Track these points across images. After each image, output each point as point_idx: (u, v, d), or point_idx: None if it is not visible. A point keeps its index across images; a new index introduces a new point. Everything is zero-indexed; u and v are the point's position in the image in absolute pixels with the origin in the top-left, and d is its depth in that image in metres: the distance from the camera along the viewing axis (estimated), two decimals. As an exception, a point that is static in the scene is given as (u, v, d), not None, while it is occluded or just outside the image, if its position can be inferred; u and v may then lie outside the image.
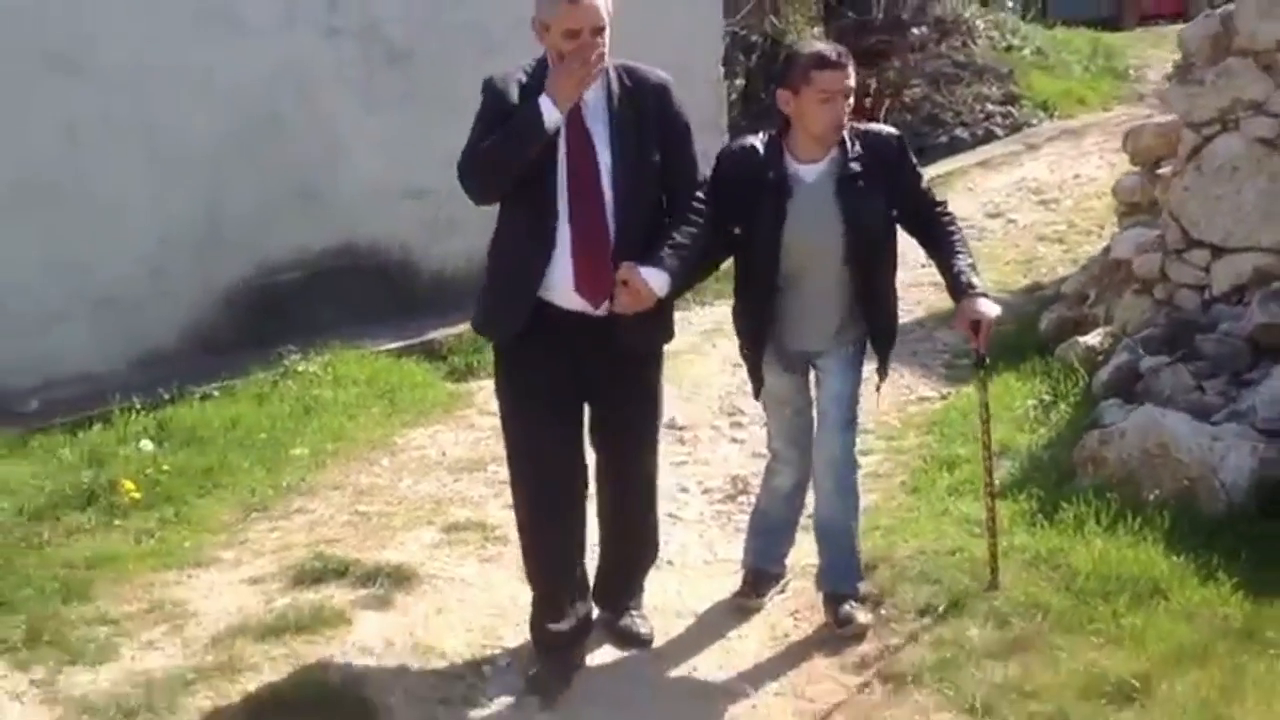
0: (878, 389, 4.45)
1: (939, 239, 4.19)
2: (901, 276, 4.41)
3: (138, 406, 6.23)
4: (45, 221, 6.63)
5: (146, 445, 5.91)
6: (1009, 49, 16.24)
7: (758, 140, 4.18)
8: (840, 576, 4.35)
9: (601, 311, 3.93)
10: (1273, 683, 3.47)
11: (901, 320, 4.93)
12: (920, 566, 4.44)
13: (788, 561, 4.60)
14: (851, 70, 4.04)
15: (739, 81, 15.32)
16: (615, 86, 3.93)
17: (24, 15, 6.47)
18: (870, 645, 4.13)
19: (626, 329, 3.92)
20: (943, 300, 8.16)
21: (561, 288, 3.91)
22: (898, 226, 4.19)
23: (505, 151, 3.75)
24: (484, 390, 6.60)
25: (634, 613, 4.39)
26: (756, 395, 4.45)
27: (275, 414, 6.37)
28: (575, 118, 3.87)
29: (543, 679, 4.02)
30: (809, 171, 4.11)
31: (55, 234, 6.65)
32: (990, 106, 14.48)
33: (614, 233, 3.87)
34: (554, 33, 3.81)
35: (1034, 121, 13.84)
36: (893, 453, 5.87)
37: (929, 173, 11.47)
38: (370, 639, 4.23)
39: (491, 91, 3.89)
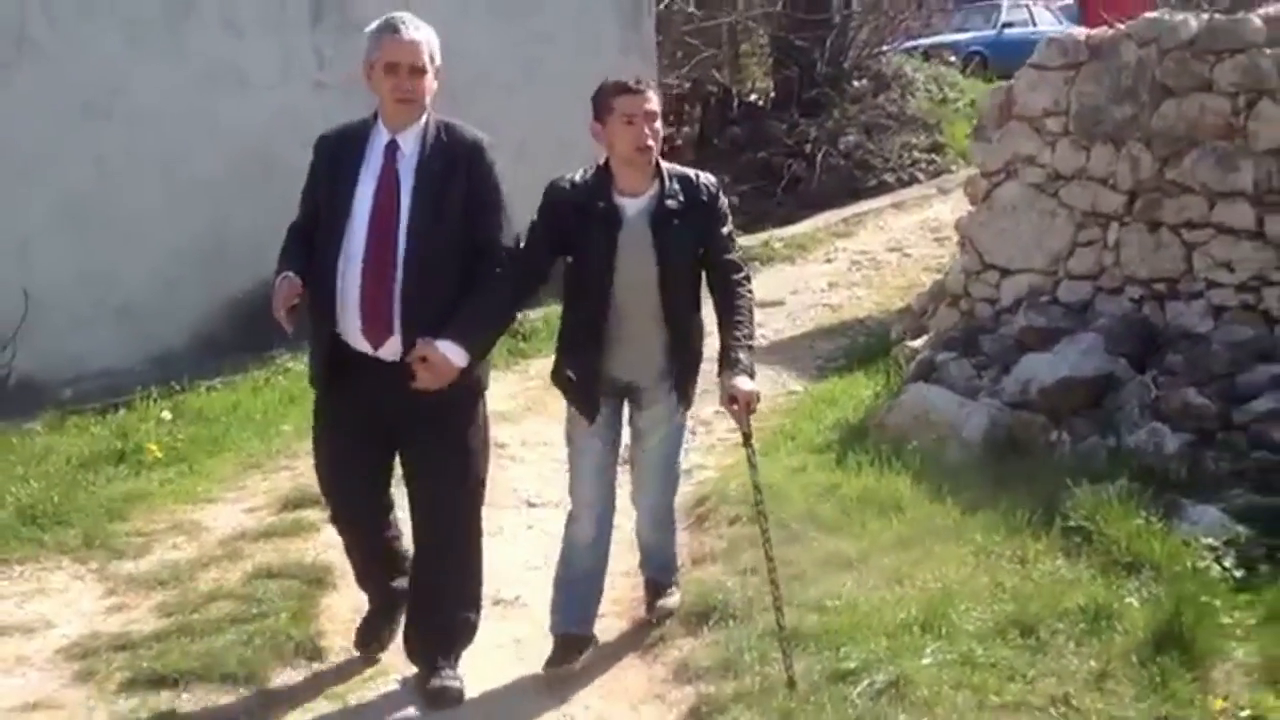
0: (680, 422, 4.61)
1: (725, 306, 4.36)
2: (797, 299, 5.61)
3: (155, 395, 7.76)
4: (78, 240, 8.12)
5: (166, 415, 7.45)
6: (943, 101, 17.73)
7: (584, 175, 4.33)
8: (659, 569, 4.86)
9: (387, 356, 4.06)
10: (951, 559, 5.00)
11: (791, 334, 5.98)
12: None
13: (595, 624, 4.63)
14: (653, 96, 4.24)
15: (692, 129, 16.80)
16: (430, 139, 4.08)
17: (66, 68, 8.05)
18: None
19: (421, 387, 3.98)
20: (831, 316, 9.82)
21: (352, 328, 4.08)
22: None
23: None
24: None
25: (445, 672, 4.28)
26: (591, 420, 4.41)
27: (267, 401, 7.91)
28: (388, 162, 4.08)
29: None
30: (631, 205, 4.27)
31: (86, 250, 8.15)
32: (916, 154, 15.97)
33: (403, 279, 4.00)
34: (376, 70, 4.05)
35: (953, 168, 15.30)
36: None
37: (847, 212, 13.10)
38: (333, 540, 5.79)
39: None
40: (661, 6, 14.21)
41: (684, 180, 4.33)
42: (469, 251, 4.06)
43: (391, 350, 4.04)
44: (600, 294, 4.26)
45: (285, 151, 8.82)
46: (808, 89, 16.98)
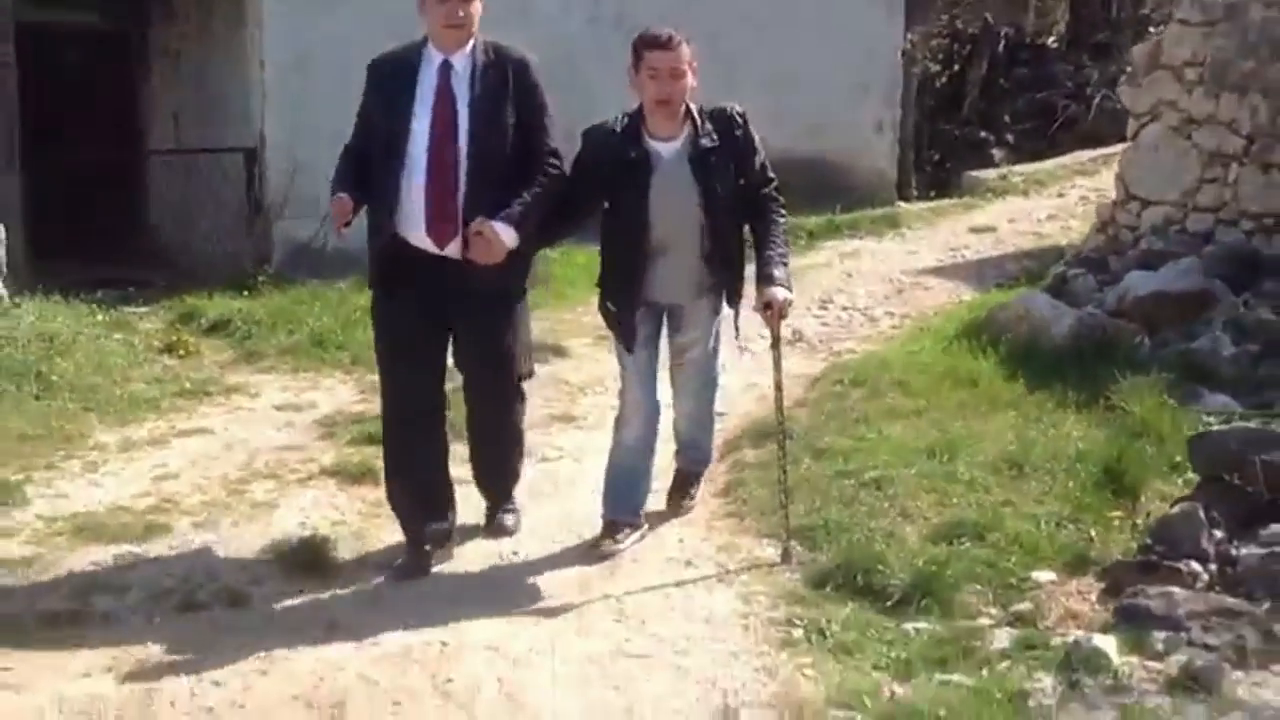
0: (736, 336, 5.03)
1: (759, 224, 4.77)
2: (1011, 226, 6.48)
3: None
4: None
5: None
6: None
7: (617, 123, 4.66)
8: (694, 459, 5.25)
9: (452, 253, 4.43)
10: (995, 418, 6.20)
11: (987, 255, 6.70)
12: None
13: (643, 513, 5.01)
14: (684, 52, 4.53)
15: (979, 69, 17.50)
16: (480, 57, 4.44)
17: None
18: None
19: (476, 269, 4.39)
20: (1035, 242, 10.81)
21: (415, 229, 4.45)
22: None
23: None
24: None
25: (505, 507, 5.02)
26: (629, 348, 4.77)
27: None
28: (444, 80, 4.43)
29: (405, 569, 4.68)
30: (666, 148, 4.62)
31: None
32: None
33: (465, 184, 4.38)
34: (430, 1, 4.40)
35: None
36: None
37: (1098, 152, 13.66)
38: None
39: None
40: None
41: (716, 118, 4.67)
42: (520, 158, 4.47)
43: (455, 248, 4.45)
44: (636, 233, 4.63)
45: (563, 79, 10.65)
46: (1098, 33, 17.50)
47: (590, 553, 4.85)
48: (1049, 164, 13.84)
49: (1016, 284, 9.46)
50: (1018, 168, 13.69)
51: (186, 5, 11.54)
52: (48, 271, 9.18)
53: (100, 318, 8.23)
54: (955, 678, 3.81)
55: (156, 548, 4.95)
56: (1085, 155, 14.00)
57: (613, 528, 4.88)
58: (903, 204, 12.67)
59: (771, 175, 4.84)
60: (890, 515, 5.05)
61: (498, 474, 5.00)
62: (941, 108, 17.83)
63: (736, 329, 5.00)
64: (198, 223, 10.97)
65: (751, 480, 5.49)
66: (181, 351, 7.95)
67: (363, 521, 5.25)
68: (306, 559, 4.78)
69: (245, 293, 9.10)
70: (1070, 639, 3.95)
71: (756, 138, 4.77)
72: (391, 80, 4.51)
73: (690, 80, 4.60)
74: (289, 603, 4.52)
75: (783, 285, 4.68)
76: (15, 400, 6.66)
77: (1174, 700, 3.59)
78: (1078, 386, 6.54)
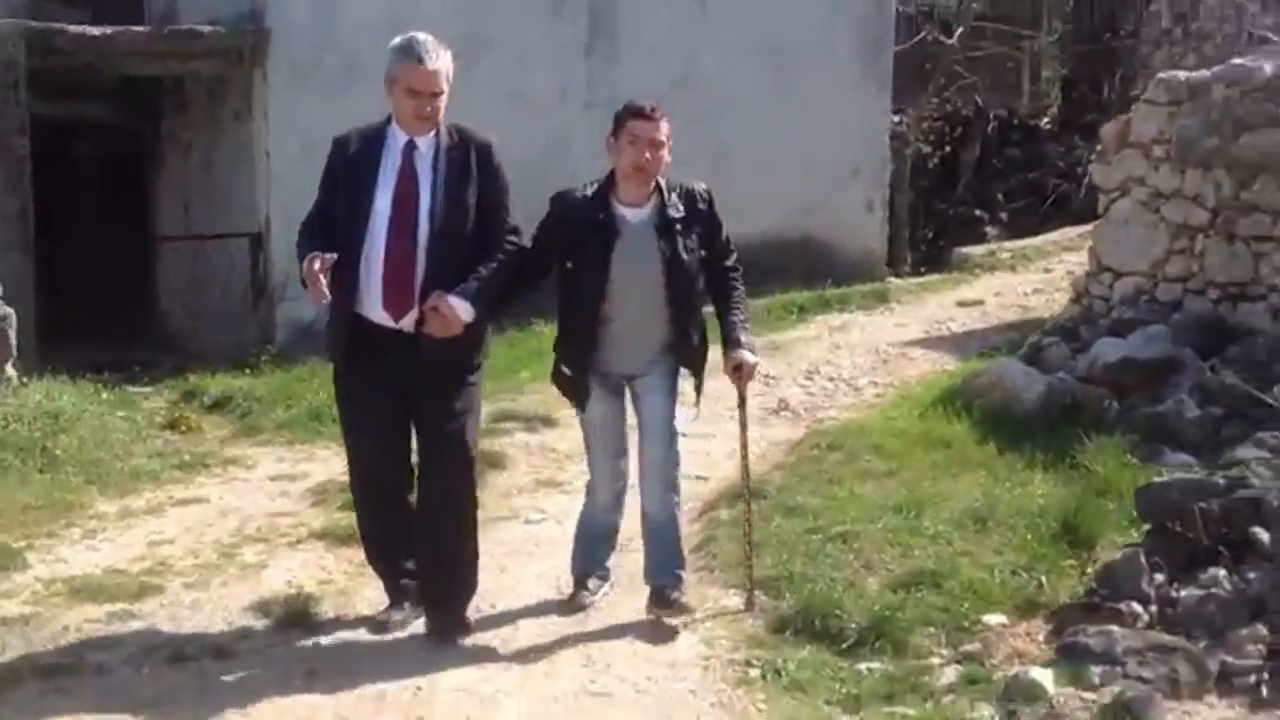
0: (696, 410, 5.03)
1: (723, 295, 4.91)
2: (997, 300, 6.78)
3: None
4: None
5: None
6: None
7: (587, 189, 4.81)
8: (663, 567, 4.95)
9: (406, 326, 4.52)
10: (965, 478, 6.41)
11: (973, 328, 6.98)
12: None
13: (609, 564, 5.19)
14: (664, 125, 4.67)
15: (972, 150, 17.91)
16: (444, 139, 4.55)
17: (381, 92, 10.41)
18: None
19: (432, 345, 4.46)
20: (1019, 315, 11.05)
21: (373, 304, 4.53)
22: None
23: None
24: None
25: (457, 610, 4.81)
26: (582, 408, 4.91)
27: (518, 353, 9.87)
28: (407, 160, 4.54)
29: (384, 623, 4.83)
30: (633, 214, 4.74)
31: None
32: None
33: (424, 261, 4.48)
34: (398, 88, 4.49)
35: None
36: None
37: (1087, 228, 13.93)
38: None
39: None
40: (929, 39, 15.59)
41: (682, 192, 4.80)
42: (478, 238, 4.57)
43: (410, 321, 4.53)
44: (595, 296, 4.71)
45: (558, 163, 10.40)
46: (1090, 114, 17.90)
47: (565, 606, 5.05)
48: (1037, 240, 14.14)
49: (998, 354, 9.69)
50: (1006, 244, 14.01)
51: (197, 98, 11.96)
52: (58, 353, 9.48)
53: (105, 396, 8.49)
54: (900, 710, 4.01)
55: (149, 606, 5.16)
56: (1073, 231, 14.28)
57: (582, 579, 5.07)
58: (893, 279, 12.96)
59: (733, 249, 5.00)
60: (854, 566, 5.26)
61: (446, 568, 4.78)
62: (936, 187, 18.23)
63: (698, 397, 5.05)
64: (205, 306, 11.31)
65: (723, 537, 5.70)
66: (183, 427, 8.21)
67: (348, 580, 5.45)
68: (291, 615, 4.98)
69: (248, 371, 9.38)
70: (1011, 673, 4.13)
71: (720, 215, 4.92)
72: (357, 157, 4.60)
73: (665, 155, 4.74)
74: (273, 654, 4.72)
75: (749, 349, 4.85)
76: (20, 474, 6.91)
77: (1105, 728, 3.77)
78: (1045, 448, 6.76)
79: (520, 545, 5.89)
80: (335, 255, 4.44)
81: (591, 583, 5.08)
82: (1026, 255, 13.54)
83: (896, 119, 15.31)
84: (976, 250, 13.87)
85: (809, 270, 12.19)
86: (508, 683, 4.36)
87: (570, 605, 5.03)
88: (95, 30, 10.31)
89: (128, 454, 7.47)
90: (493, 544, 5.84)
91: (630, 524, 5.27)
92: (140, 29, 11.01)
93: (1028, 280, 12.67)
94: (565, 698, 4.22)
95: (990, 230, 16.84)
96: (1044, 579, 5.05)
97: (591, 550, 5.14)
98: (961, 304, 11.82)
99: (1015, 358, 8.36)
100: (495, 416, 8.08)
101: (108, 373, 9.35)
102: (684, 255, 4.76)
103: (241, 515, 6.39)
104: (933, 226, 17.70)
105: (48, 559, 5.75)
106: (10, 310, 8.86)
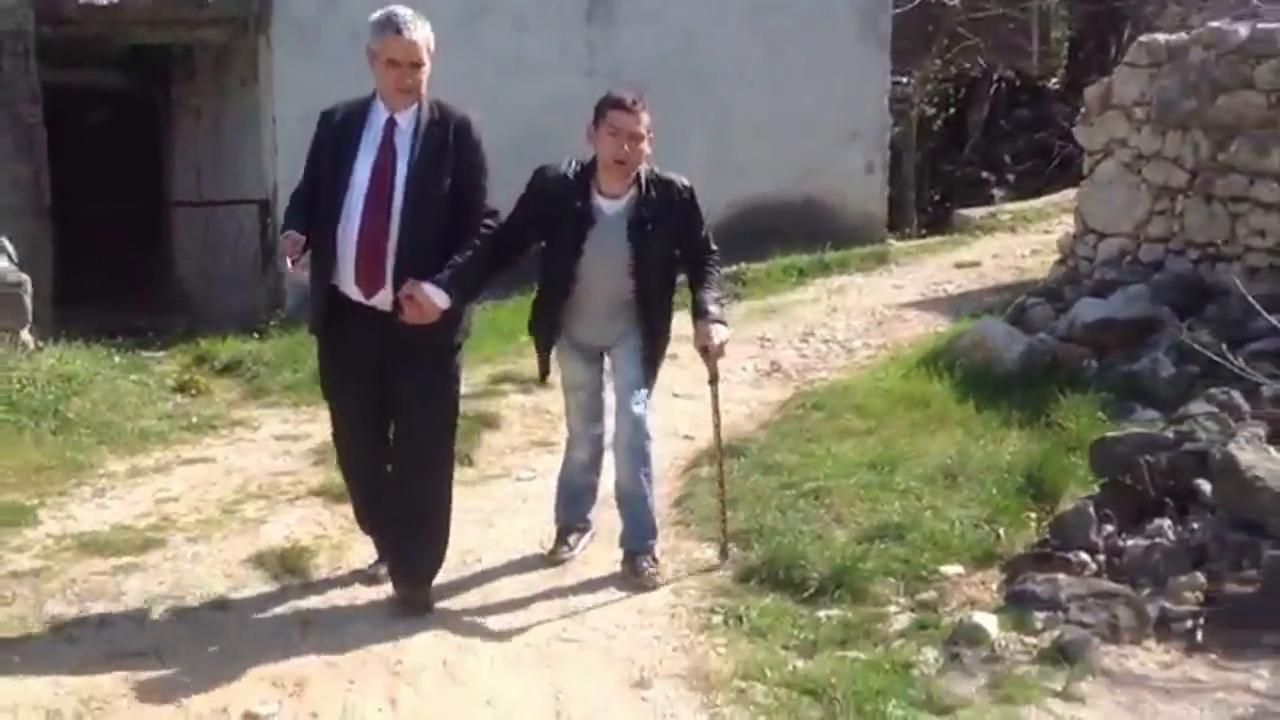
0: (646, 391, 5.06)
1: (699, 275, 5.01)
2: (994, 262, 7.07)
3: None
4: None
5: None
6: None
7: (570, 169, 4.89)
8: (635, 536, 5.10)
9: (379, 304, 4.56)
10: (941, 436, 6.63)
11: (968, 289, 7.10)
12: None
13: (590, 516, 5.40)
14: (644, 117, 4.76)
15: (980, 112, 17.93)
16: (424, 115, 4.58)
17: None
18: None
19: (406, 326, 4.51)
20: (1015, 276, 11.23)
21: (347, 278, 4.58)
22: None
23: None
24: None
25: (424, 575, 4.85)
26: (542, 379, 5.22)
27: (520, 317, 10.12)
28: (388, 135, 4.57)
29: (374, 576, 5.07)
30: (610, 206, 4.85)
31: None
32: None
33: (396, 237, 4.51)
34: (379, 60, 4.53)
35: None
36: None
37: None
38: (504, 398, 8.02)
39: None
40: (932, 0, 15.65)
41: (661, 185, 4.88)
42: (455, 215, 4.59)
43: (383, 300, 4.56)
44: (566, 277, 4.88)
45: (556, 128, 10.96)
46: (1096, 74, 17.91)
47: (546, 559, 5.29)
48: (1038, 202, 14.27)
49: (985, 314, 9.87)
50: (1007, 206, 14.15)
51: (205, 65, 12.19)
52: (74, 318, 9.77)
53: (118, 360, 8.76)
54: (853, 654, 4.24)
55: (152, 559, 5.42)
56: (1072, 193, 14.35)
57: (564, 533, 5.30)
58: (893, 242, 13.12)
59: (713, 248, 5.08)
60: (823, 520, 5.50)
61: (414, 547, 4.84)
62: (943, 149, 18.34)
63: (652, 382, 5.14)
64: (216, 270, 11.57)
65: (702, 492, 5.94)
66: (193, 391, 8.49)
67: (343, 535, 5.69)
68: (288, 568, 5.24)
69: (257, 336, 9.64)
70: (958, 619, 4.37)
71: (702, 211, 4.99)
72: (339, 130, 4.66)
73: (646, 147, 4.83)
74: (269, 605, 4.98)
75: (719, 322, 4.92)
76: (35, 435, 7.18)
77: (1041, 668, 4.00)
78: (1023, 406, 6.97)
79: (509, 502, 6.14)
80: (304, 237, 4.54)
81: (572, 537, 5.29)
82: (1026, 217, 13.69)
83: (903, 80, 15.44)
84: (977, 212, 14.02)
85: (810, 233, 12.36)
86: (484, 629, 4.61)
87: (551, 558, 5.25)
88: (102, -1, 10.54)
89: (138, 416, 7.74)
90: (483, 499, 6.19)
91: (609, 481, 5.48)
92: (145, -2, 11.22)
93: (1026, 242, 12.82)
94: (538, 644, 4.47)
95: (997, 192, 16.95)
96: (1002, 531, 5.27)
97: (573, 502, 5.35)
98: (959, 266, 11.98)
99: (1001, 318, 8.57)
100: (494, 379, 8.40)
101: (121, 337, 9.63)
102: (652, 251, 4.87)
103: (245, 474, 6.65)
104: (940, 188, 17.83)
105: (58, 516, 6.01)
106: (25, 276, 9.14)
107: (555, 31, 11.46)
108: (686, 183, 4.94)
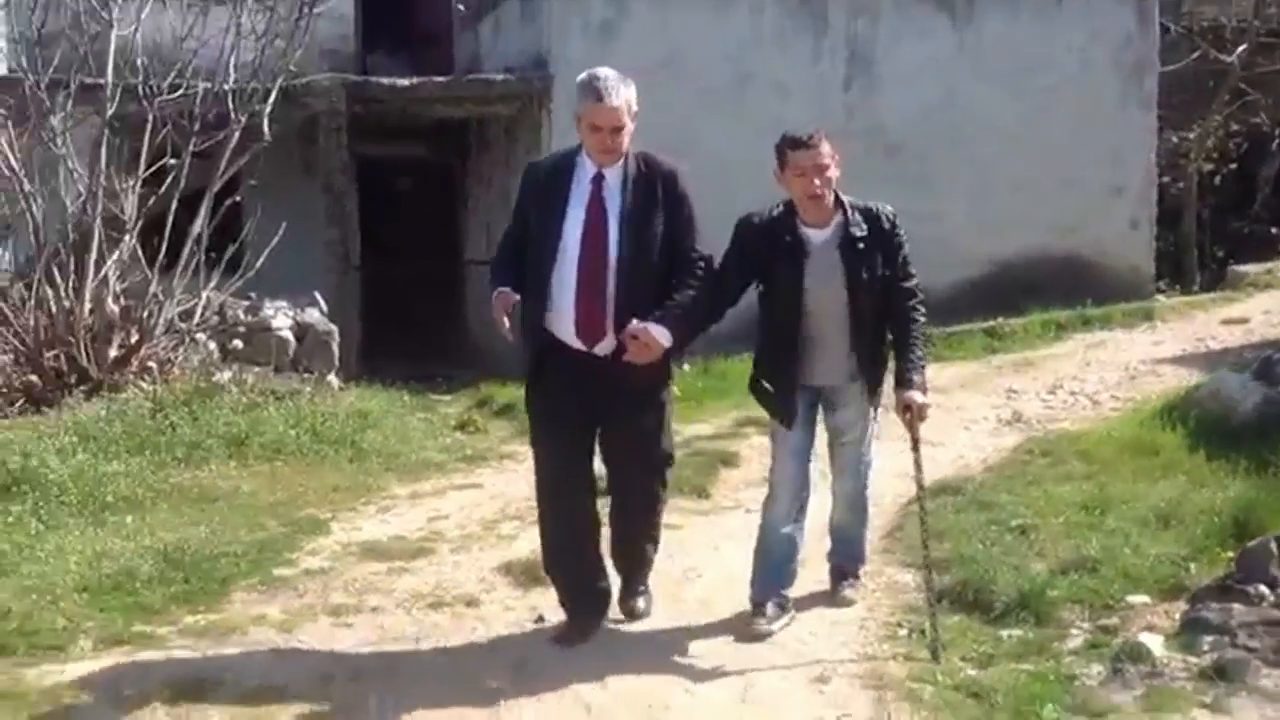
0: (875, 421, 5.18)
1: (901, 326, 4.98)
2: (1264, 318, 7.12)
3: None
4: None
5: (685, 367, 10.50)
6: None
7: (773, 210, 4.95)
8: (845, 556, 5.41)
9: (601, 352, 4.68)
10: (1162, 485, 6.75)
11: (1232, 344, 7.15)
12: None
13: (789, 593, 5.20)
14: (824, 149, 4.78)
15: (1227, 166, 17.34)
16: (632, 170, 4.67)
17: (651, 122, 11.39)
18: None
19: (624, 368, 4.59)
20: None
21: (567, 330, 4.70)
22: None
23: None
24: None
25: (638, 589, 5.26)
26: (789, 425, 4.98)
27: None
28: (596, 189, 4.68)
29: (564, 637, 5.02)
30: (818, 234, 4.90)
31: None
32: None
33: (614, 290, 4.61)
34: (583, 124, 4.66)
35: None
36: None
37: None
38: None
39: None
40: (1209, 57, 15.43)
41: (865, 212, 4.94)
42: (668, 264, 4.71)
43: (605, 347, 4.70)
44: (793, 313, 4.87)
45: None
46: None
47: (741, 633, 5.08)
48: (1318, 260, 13.88)
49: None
50: (1285, 263, 13.81)
51: (497, 137, 13.33)
52: (378, 369, 10.97)
53: (409, 401, 9.86)
54: (1024, 666, 4.58)
55: (421, 564, 6.23)
56: (1362, 249, 13.95)
57: (760, 607, 5.10)
58: (1160, 298, 13.05)
59: (913, 272, 5.03)
60: (1024, 554, 5.79)
61: (635, 562, 5.22)
62: (1232, 205, 17.91)
63: (876, 418, 5.23)
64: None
65: (911, 526, 6.30)
66: (472, 429, 9.48)
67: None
68: (529, 575, 5.93)
69: (535, 382, 10.52)
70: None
71: (903, 235, 5.00)
72: (547, 185, 4.78)
73: (834, 171, 4.86)
74: (511, 603, 5.67)
75: (919, 389, 4.89)
76: (333, 462, 8.24)
77: (1197, 684, 4.26)
78: (1252, 456, 7.00)
79: (736, 530, 6.64)
80: (516, 296, 4.73)
81: (770, 608, 5.09)
82: (1303, 275, 13.36)
83: (1176, 139, 15.27)
84: (1253, 268, 13.78)
85: (1073, 288, 12.49)
86: (690, 625, 5.20)
87: (747, 632, 5.03)
88: (404, 81, 11.83)
89: (422, 448, 8.76)
90: (712, 526, 6.78)
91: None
92: (440, 79, 12.48)
93: (1298, 299, 12.55)
94: (731, 644, 4.99)
95: (1286, 249, 16.47)
96: (1193, 566, 5.44)
97: (772, 573, 5.16)
98: (1226, 322, 11.87)
99: (1246, 372, 8.55)
100: (739, 422, 8.99)
101: (415, 383, 10.75)
102: (864, 274, 4.88)
103: (505, 498, 7.43)
104: (1226, 246, 17.41)
105: (347, 528, 6.93)
106: (334, 326, 10.37)
107: (815, 98, 12.01)
108: (890, 210, 5.00)
